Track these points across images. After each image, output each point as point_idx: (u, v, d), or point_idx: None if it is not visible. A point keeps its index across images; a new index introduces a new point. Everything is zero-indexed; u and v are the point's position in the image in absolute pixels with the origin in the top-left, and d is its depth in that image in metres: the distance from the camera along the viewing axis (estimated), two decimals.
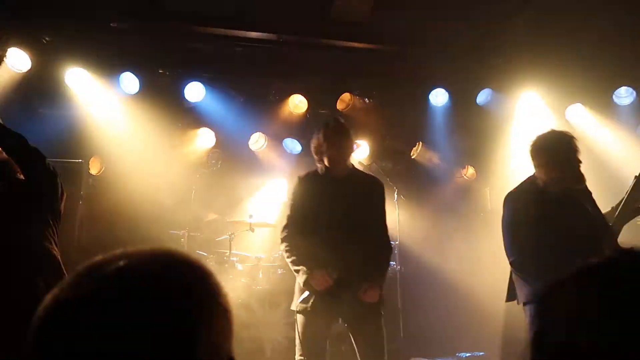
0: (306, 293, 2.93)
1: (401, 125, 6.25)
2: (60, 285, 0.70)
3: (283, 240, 3.10)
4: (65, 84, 5.18)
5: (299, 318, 2.98)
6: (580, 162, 2.82)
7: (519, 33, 5.09)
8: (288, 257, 3.05)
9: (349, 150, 3.15)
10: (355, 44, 5.28)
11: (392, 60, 5.60)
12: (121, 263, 0.70)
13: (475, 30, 5.15)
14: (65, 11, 4.63)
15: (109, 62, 5.28)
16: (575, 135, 2.90)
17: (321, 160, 3.14)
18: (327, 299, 2.88)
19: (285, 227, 3.11)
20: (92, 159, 5.51)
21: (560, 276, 0.73)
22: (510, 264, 2.80)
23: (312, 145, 3.17)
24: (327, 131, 3.12)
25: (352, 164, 3.25)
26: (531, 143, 2.93)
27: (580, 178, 2.84)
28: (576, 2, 4.58)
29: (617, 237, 2.75)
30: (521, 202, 2.85)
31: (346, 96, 5.93)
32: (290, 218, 3.11)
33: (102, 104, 5.37)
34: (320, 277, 2.87)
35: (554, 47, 5.22)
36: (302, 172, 3.24)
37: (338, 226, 2.95)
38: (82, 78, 5.23)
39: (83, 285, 0.68)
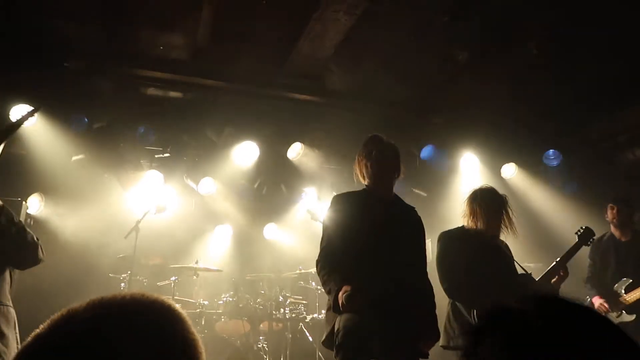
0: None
1: (347, 175, 6.40)
2: (32, 339, 0.70)
3: (319, 261, 2.74)
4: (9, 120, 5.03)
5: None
6: (502, 218, 3.24)
7: (457, 96, 5.49)
8: (324, 279, 2.67)
9: (397, 168, 2.85)
10: (308, 97, 5.48)
11: (341, 113, 5.83)
12: (91, 315, 0.71)
13: (419, 89, 5.49)
14: (16, 47, 4.57)
15: (58, 101, 5.18)
16: (507, 194, 3.32)
17: (364, 179, 2.84)
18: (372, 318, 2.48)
19: (323, 249, 2.74)
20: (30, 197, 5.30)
21: (479, 324, 0.75)
22: (445, 290, 3.11)
23: (356, 161, 2.85)
24: (373, 145, 2.81)
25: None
26: (470, 194, 3.32)
27: (499, 231, 3.24)
28: (508, 71, 5.02)
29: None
30: (453, 240, 3.21)
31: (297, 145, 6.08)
32: (329, 240, 2.74)
33: (47, 142, 5.23)
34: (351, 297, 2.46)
35: (489, 110, 5.65)
36: (341, 193, 2.89)
37: (385, 252, 2.64)
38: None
39: (56, 339, 0.69)
